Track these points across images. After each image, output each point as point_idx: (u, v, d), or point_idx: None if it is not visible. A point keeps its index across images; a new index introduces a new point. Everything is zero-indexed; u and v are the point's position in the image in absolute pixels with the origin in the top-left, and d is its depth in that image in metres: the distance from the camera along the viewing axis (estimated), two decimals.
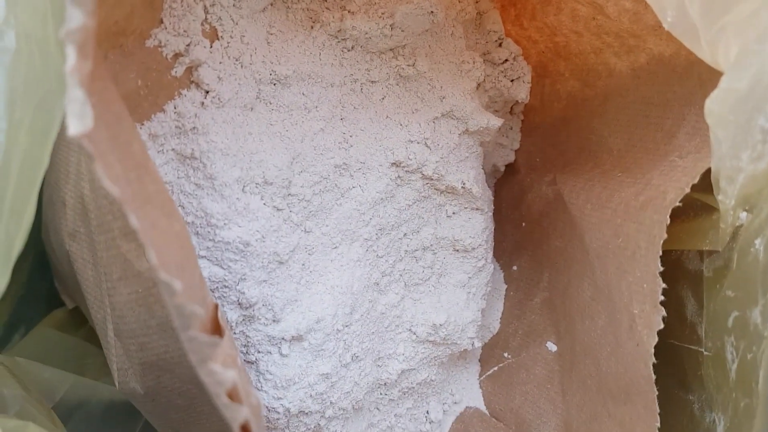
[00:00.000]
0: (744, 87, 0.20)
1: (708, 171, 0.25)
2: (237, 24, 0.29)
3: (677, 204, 0.25)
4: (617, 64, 0.33)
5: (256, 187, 0.29)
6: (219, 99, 0.28)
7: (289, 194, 0.30)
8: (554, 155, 0.38)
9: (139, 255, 0.23)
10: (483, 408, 0.38)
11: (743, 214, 0.24)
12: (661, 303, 0.25)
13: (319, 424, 0.31)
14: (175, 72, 0.28)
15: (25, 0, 0.19)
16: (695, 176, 0.25)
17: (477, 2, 0.36)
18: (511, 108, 0.40)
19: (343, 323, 0.31)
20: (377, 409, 0.35)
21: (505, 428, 0.37)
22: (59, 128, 0.26)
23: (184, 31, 0.27)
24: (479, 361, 0.40)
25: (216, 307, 0.20)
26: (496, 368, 0.39)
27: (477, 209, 0.36)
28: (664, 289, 0.25)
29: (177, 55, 0.28)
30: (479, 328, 0.37)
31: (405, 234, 0.34)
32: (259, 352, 0.30)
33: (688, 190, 0.25)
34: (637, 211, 0.28)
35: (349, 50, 0.31)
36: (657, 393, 0.26)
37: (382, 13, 0.31)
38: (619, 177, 0.31)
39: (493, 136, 0.36)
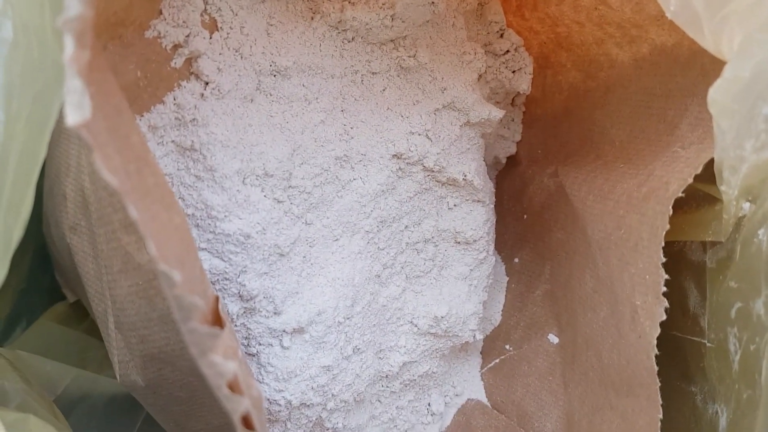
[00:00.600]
0: (747, 76, 0.20)
1: (711, 161, 0.25)
2: (236, 15, 0.28)
3: (680, 195, 0.25)
4: (619, 54, 0.32)
5: (257, 179, 0.28)
6: (219, 90, 0.28)
7: (290, 186, 0.29)
8: (556, 147, 0.38)
9: (140, 247, 0.23)
10: (485, 400, 0.38)
11: (746, 205, 0.24)
12: (664, 294, 0.25)
13: (320, 417, 0.31)
14: (175, 63, 0.28)
15: None
16: (698, 167, 0.25)
17: None
18: (513, 99, 0.39)
19: (345, 315, 0.31)
20: (379, 401, 0.35)
21: (506, 420, 0.37)
22: (59, 120, 0.26)
23: (184, 22, 0.27)
24: (481, 353, 0.40)
25: (217, 299, 0.20)
26: (497, 360, 0.39)
27: (478, 201, 0.35)
28: (666, 280, 0.25)
29: (176, 47, 0.28)
30: (481, 321, 0.37)
31: (406, 226, 0.34)
32: (260, 344, 0.30)
33: (690, 180, 0.25)
34: (639, 203, 0.27)
35: (349, 41, 0.31)
36: (659, 385, 0.26)
37: (383, 4, 0.30)
38: (621, 168, 0.31)
39: (495, 127, 0.36)
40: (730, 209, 0.24)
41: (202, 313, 0.16)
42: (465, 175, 0.34)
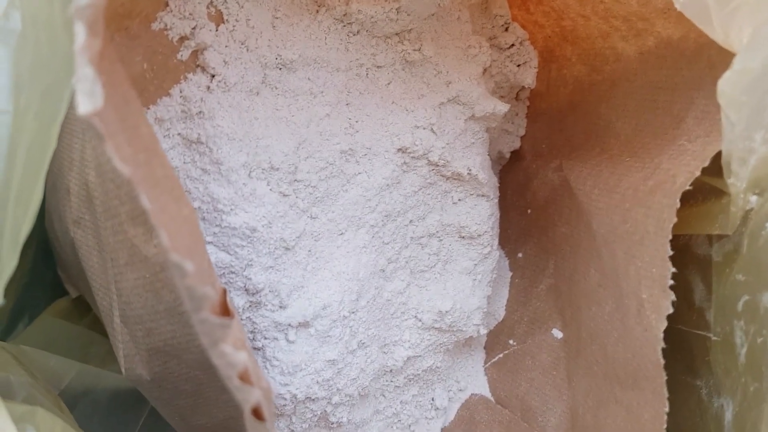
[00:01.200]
0: (757, 67, 0.20)
1: (717, 154, 0.24)
2: (242, 7, 0.28)
3: (687, 187, 0.25)
4: (625, 48, 0.32)
5: (263, 172, 0.28)
6: (225, 83, 0.28)
7: (296, 180, 0.29)
8: (560, 141, 0.37)
9: (146, 240, 0.23)
10: (488, 395, 0.38)
11: (753, 198, 0.24)
12: (670, 288, 0.25)
13: (325, 411, 0.31)
14: (181, 55, 0.27)
15: None
16: (705, 160, 0.25)
17: None
18: (517, 94, 0.39)
19: (350, 310, 0.31)
20: (383, 395, 0.35)
21: (510, 415, 0.37)
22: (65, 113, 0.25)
23: (190, 14, 0.27)
24: (485, 348, 0.40)
25: (224, 292, 0.20)
26: (501, 355, 0.39)
27: (483, 196, 0.35)
28: (672, 273, 0.25)
29: (183, 39, 0.27)
30: (485, 315, 0.37)
31: (411, 221, 0.34)
32: (265, 338, 0.30)
33: (698, 173, 0.25)
34: (646, 196, 0.27)
35: (354, 35, 0.31)
36: (666, 378, 0.26)
37: None
38: (627, 162, 0.31)
39: (500, 121, 0.35)
40: (738, 202, 0.24)
41: (213, 303, 0.16)
42: (470, 170, 0.34)
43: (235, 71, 0.28)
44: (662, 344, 0.26)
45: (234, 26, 0.28)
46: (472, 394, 0.39)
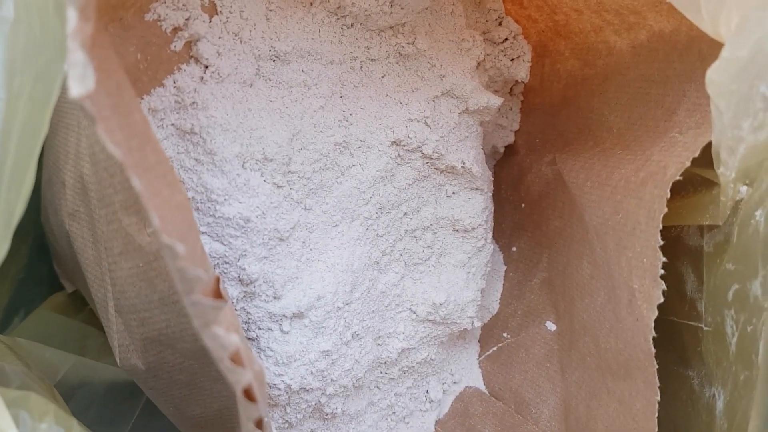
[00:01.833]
0: (745, 55, 0.20)
1: (708, 146, 0.25)
2: None
3: (678, 178, 0.25)
4: (617, 42, 0.33)
5: (256, 163, 0.29)
6: (218, 74, 0.28)
7: (289, 171, 0.30)
8: (554, 135, 0.38)
9: (140, 228, 0.23)
10: (482, 388, 0.39)
11: (743, 188, 0.24)
12: (661, 277, 0.25)
13: (319, 402, 0.31)
14: (175, 46, 0.28)
15: None
16: (695, 150, 0.25)
17: None
18: (511, 89, 0.40)
19: (344, 301, 0.31)
20: (377, 387, 0.35)
21: (504, 407, 0.37)
22: (58, 110, 0.26)
23: (183, 5, 0.27)
24: (479, 341, 0.40)
25: (218, 279, 0.20)
26: (495, 348, 0.39)
27: (477, 189, 0.36)
28: (663, 264, 0.25)
29: (176, 30, 0.28)
30: (479, 308, 0.37)
31: (405, 213, 0.34)
32: (260, 329, 0.30)
33: (688, 163, 0.25)
34: (637, 187, 0.28)
35: (348, 27, 0.31)
36: (657, 367, 0.26)
37: None
38: (619, 155, 0.31)
39: (493, 115, 0.36)
40: (727, 192, 0.24)
41: (205, 285, 0.16)
42: (463, 163, 0.34)
43: (229, 62, 0.28)
44: (653, 333, 0.26)
45: (227, 18, 0.28)
46: (466, 387, 0.39)
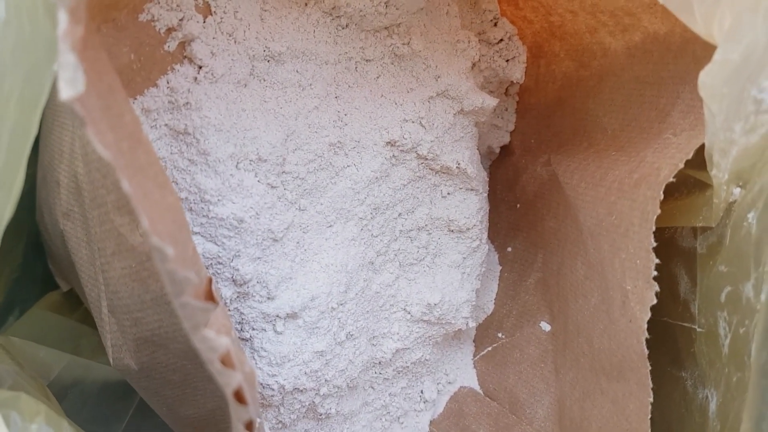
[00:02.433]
0: (737, 59, 0.20)
1: (701, 148, 0.25)
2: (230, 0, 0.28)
3: (671, 180, 0.25)
4: (612, 43, 0.33)
5: (250, 163, 0.29)
6: (212, 74, 0.28)
7: (284, 172, 0.30)
8: (549, 136, 0.38)
9: (132, 229, 0.23)
10: (477, 388, 0.39)
11: (737, 190, 0.25)
12: (655, 279, 0.25)
13: (313, 402, 0.31)
14: (168, 47, 0.28)
15: None
16: (689, 152, 0.25)
17: None
18: (507, 89, 0.40)
19: (338, 301, 0.31)
20: (372, 387, 0.35)
21: (498, 407, 0.37)
22: (53, 109, 0.26)
23: (177, 5, 0.27)
24: (473, 341, 0.40)
25: (210, 280, 0.20)
26: (490, 348, 0.39)
27: (472, 190, 0.36)
28: (657, 266, 0.25)
29: (170, 30, 0.28)
30: (473, 308, 0.37)
31: (400, 214, 0.34)
32: (253, 329, 0.30)
33: (681, 165, 0.25)
34: (630, 189, 0.28)
35: (343, 28, 0.31)
36: (650, 368, 0.26)
37: None
38: (613, 156, 0.31)
39: (488, 116, 0.36)
40: (720, 193, 0.24)
41: (195, 287, 0.16)
42: (458, 163, 0.34)
43: (223, 63, 0.28)
44: (646, 334, 0.26)
45: (222, 18, 0.28)
46: (461, 387, 0.39)
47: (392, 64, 0.33)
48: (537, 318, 0.37)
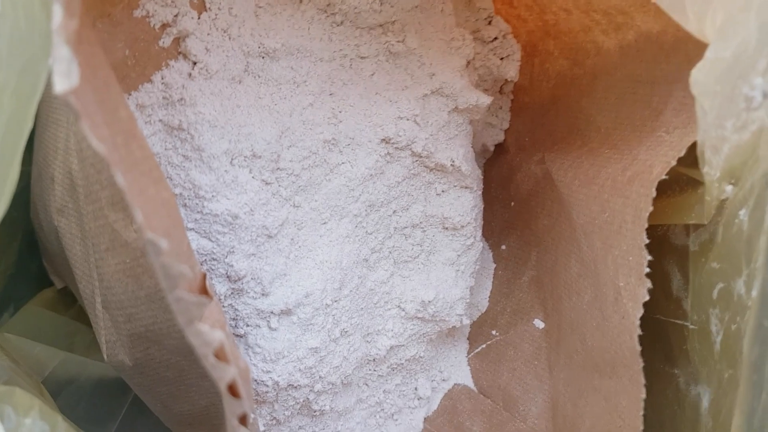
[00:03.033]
0: (729, 56, 0.20)
1: (694, 146, 0.25)
2: None
3: (664, 177, 0.25)
4: (605, 42, 0.33)
5: (245, 160, 0.29)
6: (207, 70, 0.28)
7: (278, 168, 0.30)
8: (543, 134, 0.38)
9: (126, 225, 0.23)
10: (471, 385, 0.39)
11: (729, 188, 0.25)
12: (647, 276, 0.25)
13: (308, 398, 0.31)
14: (163, 42, 0.28)
15: None
16: (681, 150, 0.25)
17: None
18: (501, 87, 0.40)
19: (332, 298, 0.31)
20: (366, 384, 0.35)
21: (492, 405, 0.37)
22: (47, 106, 0.26)
23: (172, 1, 0.27)
24: (468, 338, 0.40)
25: (204, 276, 0.20)
26: (484, 346, 0.39)
27: (466, 187, 0.36)
28: (650, 263, 0.25)
29: (165, 26, 0.28)
30: (468, 306, 0.37)
31: (394, 211, 0.34)
32: (248, 325, 0.30)
33: (674, 163, 0.25)
34: (623, 186, 0.28)
35: (338, 25, 0.31)
36: (642, 365, 0.26)
37: None
38: (606, 154, 0.31)
39: (483, 114, 0.36)
40: (712, 191, 0.25)
41: (189, 281, 0.16)
42: (453, 161, 0.34)
43: (217, 59, 0.28)
44: (639, 331, 0.26)
45: (216, 14, 0.28)
46: (455, 384, 0.39)
47: (387, 61, 0.33)
48: (531, 315, 0.37)
